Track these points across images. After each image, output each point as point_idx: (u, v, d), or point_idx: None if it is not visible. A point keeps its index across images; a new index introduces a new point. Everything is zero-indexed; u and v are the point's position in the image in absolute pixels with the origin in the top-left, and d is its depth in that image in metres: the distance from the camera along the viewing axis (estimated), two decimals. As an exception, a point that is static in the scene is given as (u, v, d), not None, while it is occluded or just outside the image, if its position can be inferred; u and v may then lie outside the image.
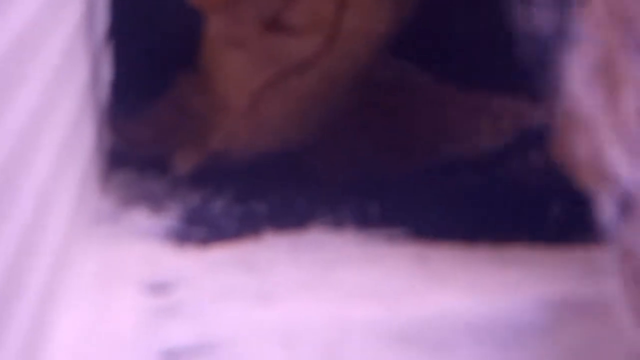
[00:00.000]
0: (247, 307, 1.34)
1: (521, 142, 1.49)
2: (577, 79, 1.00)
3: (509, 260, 1.40)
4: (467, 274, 1.38)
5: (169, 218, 1.56)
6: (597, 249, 1.18)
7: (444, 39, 1.60)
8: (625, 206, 0.97)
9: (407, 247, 1.46)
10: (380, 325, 1.29)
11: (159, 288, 1.38)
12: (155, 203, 1.59)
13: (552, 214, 1.19)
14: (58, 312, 1.24)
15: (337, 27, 1.58)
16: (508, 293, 1.33)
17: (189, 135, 1.66)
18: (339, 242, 1.49)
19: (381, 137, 1.58)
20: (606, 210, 0.99)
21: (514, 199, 1.32)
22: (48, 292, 1.19)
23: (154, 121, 1.66)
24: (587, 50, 0.94)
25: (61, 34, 1.31)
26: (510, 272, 1.37)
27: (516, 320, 1.29)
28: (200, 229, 1.51)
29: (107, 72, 1.75)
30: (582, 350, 1.20)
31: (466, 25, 1.50)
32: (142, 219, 1.57)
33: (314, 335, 1.26)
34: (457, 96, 1.63)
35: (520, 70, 1.19)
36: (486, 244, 1.43)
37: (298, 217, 1.52)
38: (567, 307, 1.32)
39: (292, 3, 1.56)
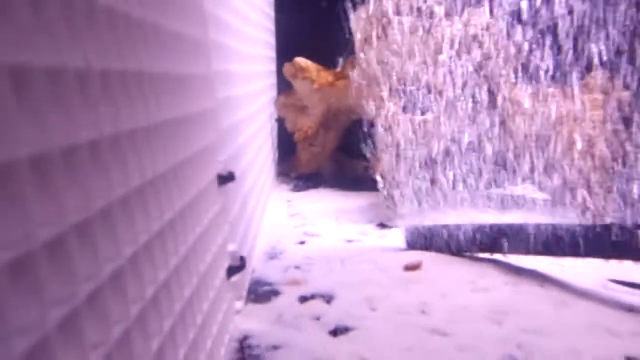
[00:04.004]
0: (311, 204, 3.82)
1: (365, 172, 3.82)
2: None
3: (360, 196, 3.99)
4: (346, 198, 3.98)
5: (290, 186, 4.24)
6: (378, 194, 3.49)
7: (347, 147, 4.07)
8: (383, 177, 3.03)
9: (340, 192, 4.13)
10: (335, 209, 3.80)
11: (289, 203, 3.91)
12: (287, 183, 4.30)
13: (369, 183, 3.31)
14: (267, 210, 3.66)
15: (325, 141, 4.14)
16: (359, 202, 3.88)
17: (293, 168, 4.31)
18: (328, 192, 4.16)
19: (337, 168, 4.25)
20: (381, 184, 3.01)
21: (361, 181, 3.76)
22: (263, 205, 3.51)
23: (287, 163, 4.30)
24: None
25: (267, 127, 3.59)
26: (360, 198, 3.97)
27: (361, 208, 3.79)
28: (298, 189, 4.20)
29: (275, 142, 4.18)
30: (375, 215, 3.53)
31: (355, 141, 3.70)
32: (285, 186, 4.27)
33: (330, 210, 3.72)
34: (350, 160, 4.29)
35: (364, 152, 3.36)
36: (355, 192, 4.03)
37: (318, 184, 4.20)
38: (371, 206, 3.68)
39: (316, 139, 3.92)
